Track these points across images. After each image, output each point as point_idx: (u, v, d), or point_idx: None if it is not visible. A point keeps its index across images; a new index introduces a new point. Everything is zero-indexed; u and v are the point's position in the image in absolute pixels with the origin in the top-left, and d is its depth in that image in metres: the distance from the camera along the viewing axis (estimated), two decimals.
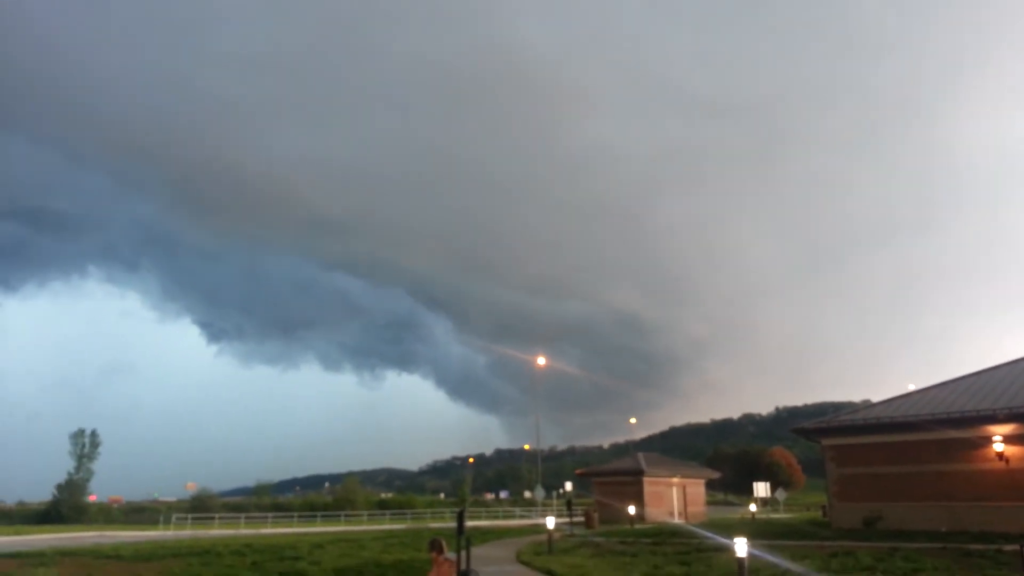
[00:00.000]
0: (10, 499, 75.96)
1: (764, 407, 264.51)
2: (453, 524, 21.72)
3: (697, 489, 54.83)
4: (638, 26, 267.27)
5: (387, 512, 70.65)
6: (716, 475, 62.87)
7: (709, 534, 26.79)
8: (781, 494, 64.72)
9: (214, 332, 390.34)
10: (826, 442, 29.94)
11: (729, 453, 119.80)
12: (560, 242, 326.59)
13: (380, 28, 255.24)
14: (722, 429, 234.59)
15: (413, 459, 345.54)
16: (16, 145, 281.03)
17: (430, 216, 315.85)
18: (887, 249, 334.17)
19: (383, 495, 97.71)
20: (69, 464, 70.06)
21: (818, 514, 50.61)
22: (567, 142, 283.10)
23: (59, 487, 68.80)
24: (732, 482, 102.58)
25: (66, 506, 66.70)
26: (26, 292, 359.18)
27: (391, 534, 38.62)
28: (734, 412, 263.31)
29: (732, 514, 63.13)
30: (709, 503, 60.62)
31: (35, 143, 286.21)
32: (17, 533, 45.64)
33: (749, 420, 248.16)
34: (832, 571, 16.35)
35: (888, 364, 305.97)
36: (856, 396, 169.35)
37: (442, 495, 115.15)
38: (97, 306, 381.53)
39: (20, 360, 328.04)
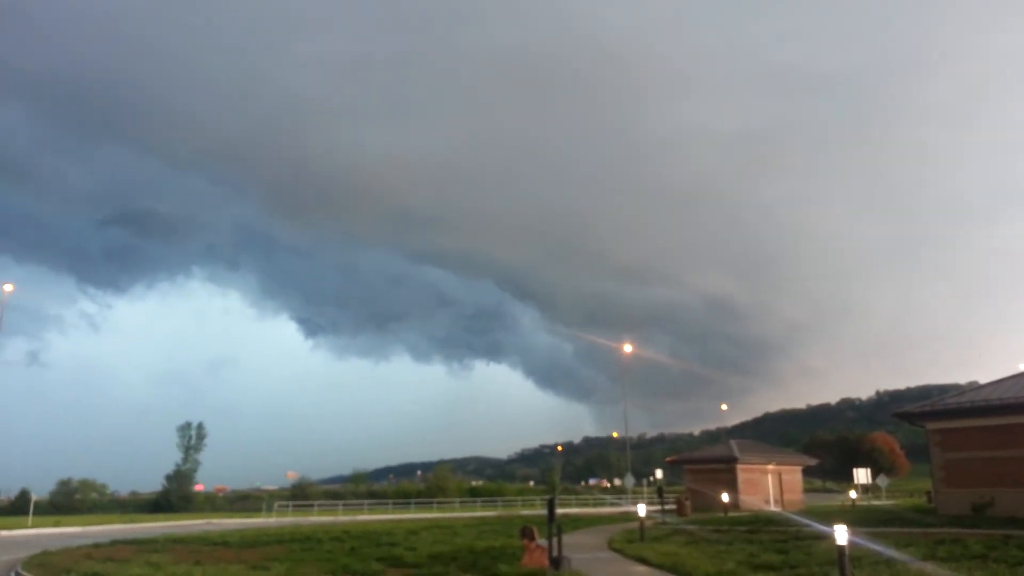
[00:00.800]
0: (124, 489, 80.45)
1: (863, 391, 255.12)
2: (543, 511, 21.80)
3: (794, 476, 53.39)
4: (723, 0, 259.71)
5: (478, 500, 71.61)
6: (813, 462, 61.05)
7: (807, 521, 26.07)
8: (883, 480, 62.28)
9: (310, 327, 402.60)
10: (931, 426, 28.67)
11: (827, 439, 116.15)
12: (648, 227, 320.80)
13: (462, 22, 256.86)
14: (819, 415, 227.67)
15: (502, 447, 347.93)
16: (121, 154, 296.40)
17: (516, 206, 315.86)
18: (994, 224, 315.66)
19: (474, 483, 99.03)
20: (177, 455, 73.70)
21: (923, 501, 48.60)
22: (653, 125, 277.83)
23: (168, 477, 72.42)
24: (831, 469, 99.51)
25: (175, 495, 70.23)
26: (135, 293, 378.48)
27: (483, 521, 39.12)
28: (831, 397, 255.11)
29: (831, 502, 61.24)
30: (807, 491, 58.99)
31: (138, 151, 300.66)
32: (132, 521, 48.40)
33: (848, 405, 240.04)
34: (939, 559, 15.64)
35: (995, 344, 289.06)
36: (961, 378, 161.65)
37: (532, 483, 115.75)
38: (201, 304, 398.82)
39: (131, 357, 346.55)
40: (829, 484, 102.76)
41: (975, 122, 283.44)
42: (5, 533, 36.40)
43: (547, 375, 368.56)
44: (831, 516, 26.62)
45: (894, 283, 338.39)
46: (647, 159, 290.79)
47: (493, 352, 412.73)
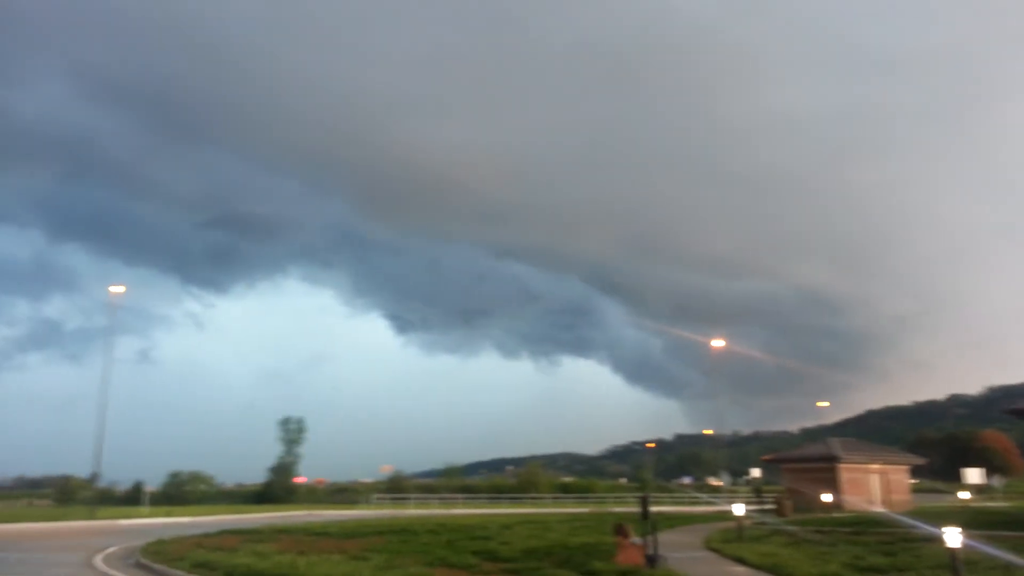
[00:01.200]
0: (230, 481, 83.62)
1: (973, 387, 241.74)
2: (636, 509, 21.57)
3: (900, 476, 51.21)
4: None
5: (569, 496, 71.52)
6: (921, 461, 58.39)
7: (915, 523, 24.97)
8: (997, 481, 59.06)
9: (401, 324, 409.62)
10: None
11: (934, 437, 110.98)
12: (736, 217, 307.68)
13: (536, 16, 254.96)
14: (925, 412, 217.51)
15: (592, 443, 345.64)
16: (219, 157, 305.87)
17: (601, 198, 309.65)
18: None
19: (564, 479, 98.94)
20: (279, 449, 76.39)
21: None
22: (736, 110, 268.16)
23: (271, 470, 75.20)
24: (939, 469, 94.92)
25: (278, 487, 72.87)
26: (236, 292, 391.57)
27: (575, 517, 39.08)
28: (938, 393, 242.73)
29: (940, 503, 58.40)
30: (914, 491, 56.43)
31: (234, 154, 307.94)
32: (238, 512, 50.64)
33: (956, 401, 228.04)
34: None
35: None
36: None
37: (623, 480, 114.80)
38: (297, 303, 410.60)
39: (234, 355, 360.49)
40: (938, 485, 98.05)
41: None
42: (124, 522, 38.67)
43: (636, 370, 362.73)
44: (941, 517, 25.44)
45: (1002, 270, 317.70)
46: (736, 146, 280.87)
47: (580, 347, 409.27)
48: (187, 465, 75.58)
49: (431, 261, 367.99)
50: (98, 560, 19.91)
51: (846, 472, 46.98)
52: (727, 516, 35.18)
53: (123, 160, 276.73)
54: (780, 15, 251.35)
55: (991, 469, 73.00)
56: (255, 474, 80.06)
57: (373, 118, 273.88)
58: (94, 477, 49.23)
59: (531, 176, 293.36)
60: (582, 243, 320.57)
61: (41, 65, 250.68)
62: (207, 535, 25.67)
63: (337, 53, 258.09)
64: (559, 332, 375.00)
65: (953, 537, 11.73)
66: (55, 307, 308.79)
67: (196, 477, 72.60)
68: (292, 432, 76.83)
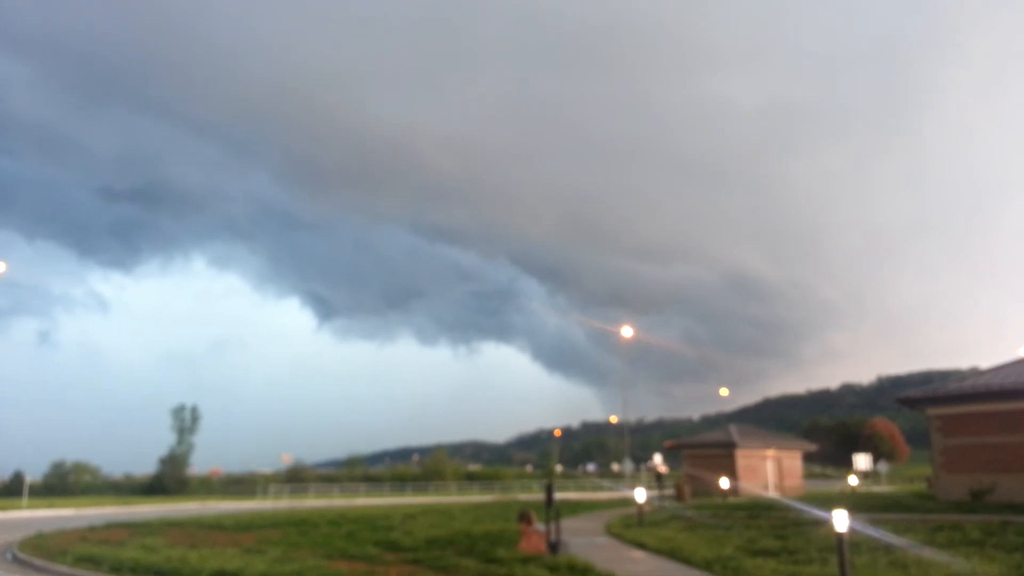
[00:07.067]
0: (117, 472, 79.39)
1: (865, 376, 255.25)
2: (541, 496, 21.54)
3: (793, 462, 53.40)
4: None
5: (475, 484, 71.58)
6: (813, 447, 61.08)
7: (806, 507, 25.96)
8: (883, 466, 62.31)
9: (318, 308, 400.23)
10: (932, 412, 28.52)
11: (827, 425, 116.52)
12: (672, 203, 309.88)
13: None
14: (819, 400, 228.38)
15: (500, 431, 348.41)
16: (137, 121, 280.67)
17: (535, 180, 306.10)
18: (1007, 205, 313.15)
19: (471, 467, 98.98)
20: (171, 438, 73.14)
21: (923, 487, 48.64)
22: (679, 98, 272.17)
23: (162, 460, 71.87)
24: (831, 455, 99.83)
25: (169, 478, 69.83)
26: (145, 271, 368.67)
27: (480, 506, 39.06)
28: (832, 382, 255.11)
29: (831, 488, 61.32)
30: (806, 477, 59.03)
31: (152, 119, 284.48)
32: (126, 504, 48.42)
33: (848, 391, 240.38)
34: (937, 545, 15.51)
35: (1002, 330, 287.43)
36: (965, 364, 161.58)
37: (529, 467, 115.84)
38: (209, 283, 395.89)
39: (138, 337, 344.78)
40: (829, 470, 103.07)
41: (1005, 99, 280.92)
42: (0, 515, 36.38)
43: (556, 357, 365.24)
44: (830, 502, 26.55)
45: (914, 264, 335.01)
46: (673, 133, 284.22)
47: (502, 333, 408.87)
48: (75, 454, 72.50)
49: (355, 242, 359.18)
50: None
51: (742, 458, 48.61)
52: (629, 502, 35.84)
53: (25, 118, 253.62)
54: (724, 7, 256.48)
55: (878, 455, 77.07)
56: (146, 464, 76.52)
57: (307, 88, 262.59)
58: None
59: (468, 156, 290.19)
60: (515, 226, 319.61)
61: None
62: (92, 528, 24.33)
63: (271, 14, 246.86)
64: (482, 318, 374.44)
65: (840, 520, 12.09)
66: None
67: (81, 467, 68.98)
68: (185, 421, 73.81)
